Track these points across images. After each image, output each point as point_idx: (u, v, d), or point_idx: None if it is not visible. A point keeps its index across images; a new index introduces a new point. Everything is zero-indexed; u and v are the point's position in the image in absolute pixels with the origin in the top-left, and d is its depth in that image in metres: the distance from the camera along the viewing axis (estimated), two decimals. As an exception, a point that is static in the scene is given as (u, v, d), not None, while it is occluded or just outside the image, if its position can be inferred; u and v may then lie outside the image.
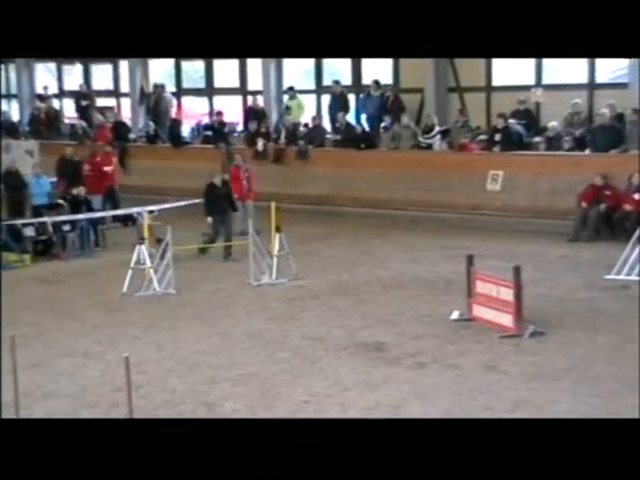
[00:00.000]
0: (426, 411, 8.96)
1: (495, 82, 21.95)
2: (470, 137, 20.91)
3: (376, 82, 22.30)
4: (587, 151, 19.30)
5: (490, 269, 12.93)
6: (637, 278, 13.76)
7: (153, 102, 25.87)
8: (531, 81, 21.23)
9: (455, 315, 12.17)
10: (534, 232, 17.94)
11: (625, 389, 9.37)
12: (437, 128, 21.36)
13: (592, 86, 20.84)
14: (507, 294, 11.43)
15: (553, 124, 19.81)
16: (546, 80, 21.14)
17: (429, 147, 21.31)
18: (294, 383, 9.96)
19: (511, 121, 20.27)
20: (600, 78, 20.66)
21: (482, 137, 20.99)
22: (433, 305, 12.90)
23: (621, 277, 13.90)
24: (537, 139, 20.21)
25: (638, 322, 11.34)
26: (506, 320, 11.46)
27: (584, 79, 20.72)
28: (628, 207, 17.24)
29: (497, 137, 20.10)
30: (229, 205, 17.17)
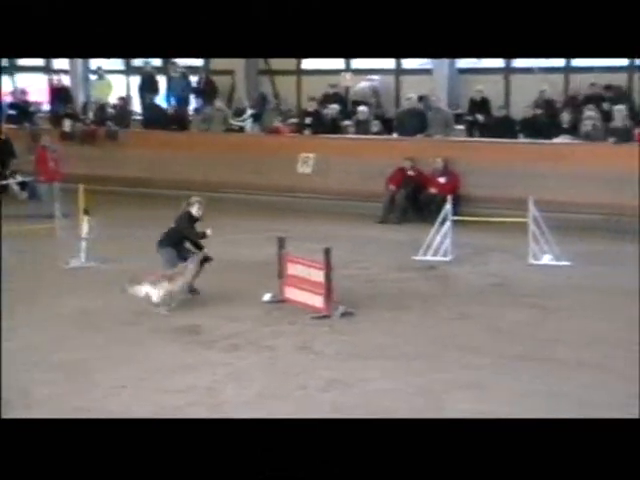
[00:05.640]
0: (240, 392, 9.04)
1: (305, 65, 22.25)
2: (281, 120, 21.13)
3: (172, 63, 22.02)
4: (394, 135, 19.88)
5: (303, 251, 13.11)
6: (442, 259, 14.33)
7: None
8: (341, 65, 21.65)
9: (267, 297, 12.27)
10: (346, 214, 18.34)
11: (429, 365, 9.74)
12: (249, 111, 21.47)
13: (398, 71, 21.47)
14: (317, 275, 11.63)
15: (362, 108, 20.25)
16: (355, 65, 21.61)
17: (241, 130, 21.40)
18: (109, 369, 9.82)
19: (321, 105, 20.60)
20: (406, 64, 21.29)
21: (293, 120, 21.25)
22: (247, 287, 12.97)
23: (428, 258, 14.41)
24: (347, 122, 20.65)
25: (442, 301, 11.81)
26: (317, 301, 11.65)
27: (392, 65, 21.29)
28: (433, 190, 17.88)
29: (308, 120, 20.39)
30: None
